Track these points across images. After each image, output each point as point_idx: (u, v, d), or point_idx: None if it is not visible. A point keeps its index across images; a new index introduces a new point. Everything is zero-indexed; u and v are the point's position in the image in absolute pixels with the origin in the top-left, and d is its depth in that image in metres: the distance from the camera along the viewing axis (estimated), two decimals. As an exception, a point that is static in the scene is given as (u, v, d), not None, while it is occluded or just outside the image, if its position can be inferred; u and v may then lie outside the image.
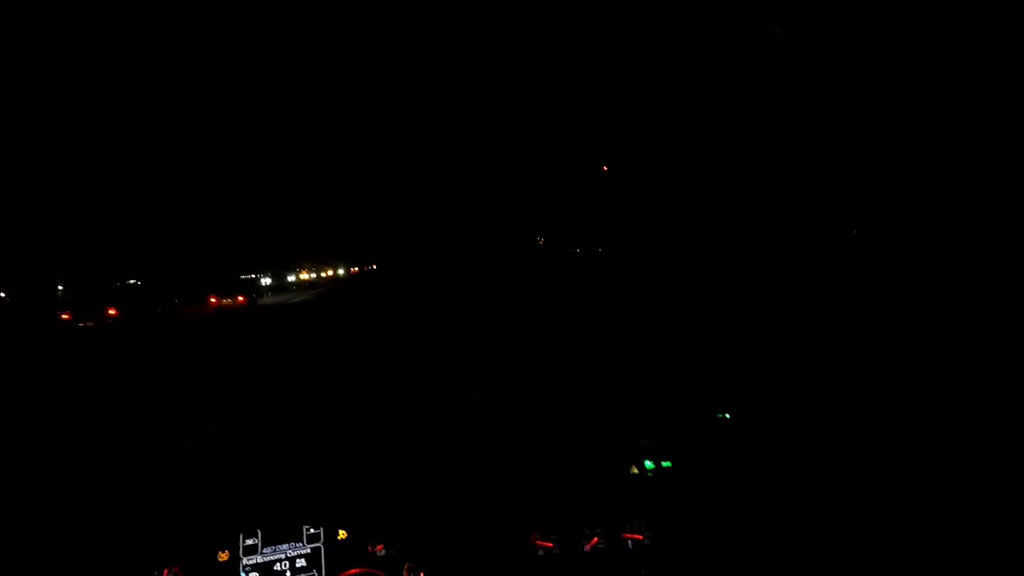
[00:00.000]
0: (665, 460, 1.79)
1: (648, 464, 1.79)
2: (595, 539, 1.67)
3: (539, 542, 1.64)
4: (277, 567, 1.54)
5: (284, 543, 1.57)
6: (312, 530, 1.59)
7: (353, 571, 1.55)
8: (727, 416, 1.88)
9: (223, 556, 1.52)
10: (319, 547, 1.58)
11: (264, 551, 1.55)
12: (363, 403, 2.02)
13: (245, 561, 1.53)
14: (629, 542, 1.68)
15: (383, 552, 1.59)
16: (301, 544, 1.57)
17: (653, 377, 2.29)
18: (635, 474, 1.77)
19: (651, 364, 2.44)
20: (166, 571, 1.44)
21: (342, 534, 1.60)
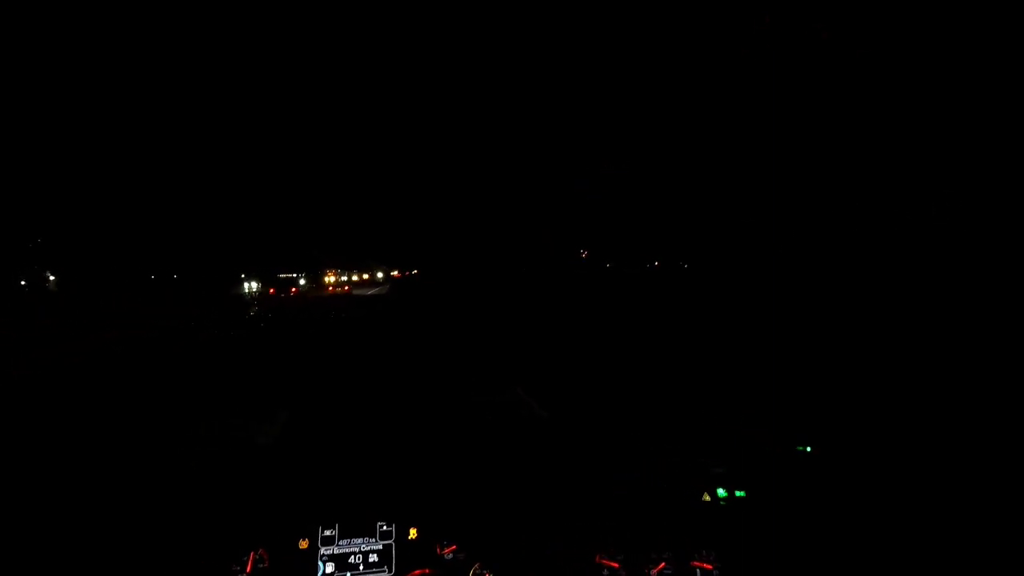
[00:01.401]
0: (739, 490, 1.73)
1: (721, 492, 1.73)
2: (662, 564, 1.63)
3: (604, 561, 1.63)
4: (351, 559, 1.61)
5: (359, 537, 1.63)
6: (385, 527, 1.65)
7: (419, 572, 1.60)
8: (807, 450, 1.79)
9: (303, 544, 1.60)
10: (391, 544, 1.63)
11: (340, 543, 1.62)
12: (440, 401, 2.05)
13: (323, 551, 1.61)
14: (697, 571, 1.64)
15: (451, 556, 1.62)
16: (374, 540, 1.63)
17: (731, 402, 2.21)
18: (707, 502, 1.72)
19: (731, 388, 2.34)
20: (253, 554, 1.54)
21: (413, 533, 1.65)
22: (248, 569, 1.52)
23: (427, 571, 1.61)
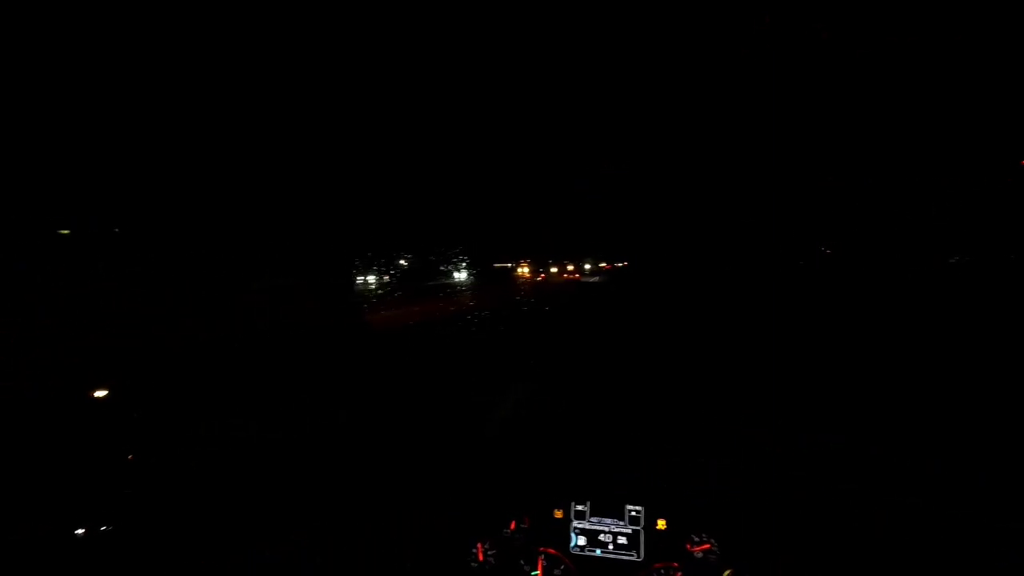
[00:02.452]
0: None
1: None
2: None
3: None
4: (601, 537, 1.69)
5: (609, 518, 1.70)
6: (633, 512, 1.69)
7: (662, 564, 1.61)
8: None
9: (558, 514, 1.73)
10: (639, 531, 1.68)
11: (591, 519, 1.71)
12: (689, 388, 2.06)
13: (575, 523, 1.71)
14: None
15: (700, 554, 1.61)
16: (623, 523, 1.69)
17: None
18: None
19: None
20: (526, 518, 1.71)
21: (661, 524, 1.67)
22: (513, 527, 1.69)
23: (674, 564, 1.62)
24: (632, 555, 1.66)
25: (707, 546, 1.60)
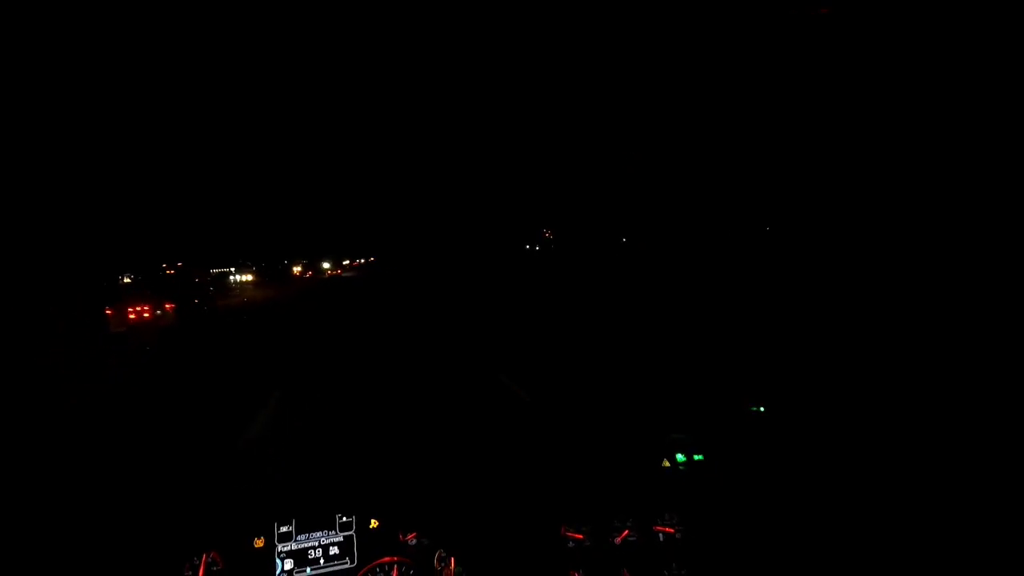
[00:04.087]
0: (697, 454, 1.77)
1: (680, 457, 1.76)
2: (626, 532, 1.66)
3: (570, 533, 1.64)
4: (311, 554, 1.56)
5: (317, 531, 1.58)
6: (345, 519, 1.60)
7: (384, 559, 1.57)
8: (761, 409, 1.84)
9: (259, 543, 1.54)
10: (351, 535, 1.59)
11: (298, 538, 1.57)
12: (393, 393, 2.00)
13: (280, 548, 1.55)
14: (660, 535, 1.67)
15: (414, 541, 1.60)
16: (334, 532, 1.59)
17: (685, 370, 2.25)
18: (667, 467, 1.75)
19: (683, 357, 2.41)
20: (205, 556, 1.47)
21: (374, 523, 1.61)
22: (201, 573, 1.46)
23: (395, 559, 1.58)
24: (345, 562, 1.57)
25: (413, 535, 1.60)
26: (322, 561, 1.56)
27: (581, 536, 1.64)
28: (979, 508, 1.55)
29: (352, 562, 1.57)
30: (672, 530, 1.67)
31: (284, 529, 1.57)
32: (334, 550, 1.58)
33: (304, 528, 1.58)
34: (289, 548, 1.56)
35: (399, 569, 1.56)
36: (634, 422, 1.86)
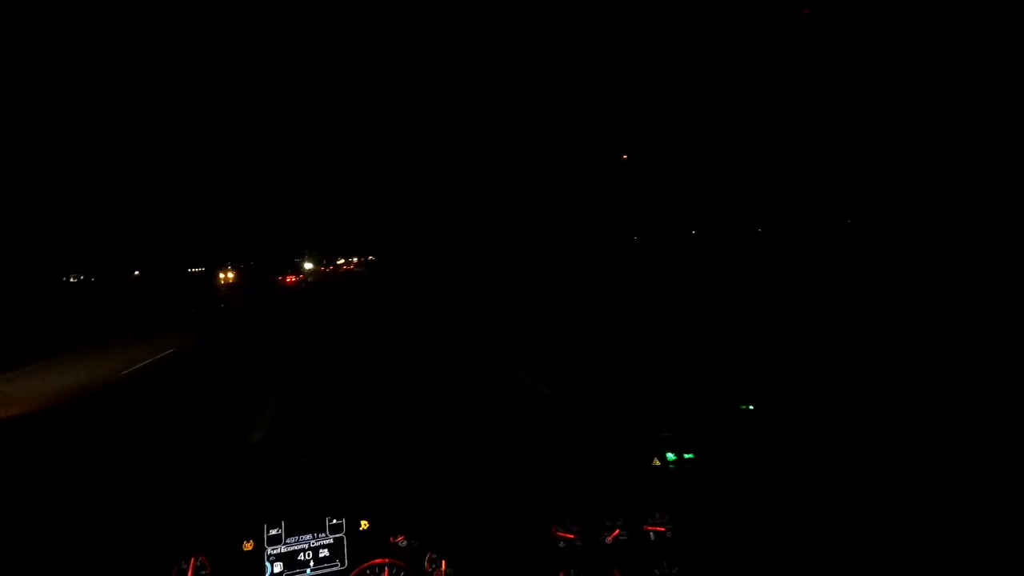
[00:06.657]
0: (687, 452, 1.77)
1: (670, 456, 1.77)
2: (616, 531, 1.66)
3: (560, 533, 1.64)
4: (301, 556, 1.56)
5: (307, 533, 1.57)
6: (335, 521, 1.60)
7: (375, 561, 1.56)
8: (750, 408, 1.85)
9: (248, 546, 1.53)
10: (341, 537, 1.59)
11: (288, 541, 1.56)
12: (384, 394, 2.00)
13: (269, 551, 1.54)
14: (651, 534, 1.67)
15: (404, 543, 1.59)
16: (324, 535, 1.58)
17: (675, 369, 2.26)
18: (657, 466, 1.75)
19: (673, 356, 2.42)
20: (193, 560, 1.46)
21: (364, 525, 1.61)
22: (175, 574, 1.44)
23: (386, 560, 1.58)
24: (335, 564, 1.57)
25: (401, 537, 1.59)
26: (312, 563, 1.55)
27: (572, 536, 1.64)
28: (971, 502, 1.56)
29: (342, 564, 1.57)
30: (663, 529, 1.67)
31: (273, 532, 1.56)
32: (324, 552, 1.57)
33: (294, 530, 1.57)
34: (279, 551, 1.55)
35: (390, 571, 1.55)
36: (623, 419, 1.86)
